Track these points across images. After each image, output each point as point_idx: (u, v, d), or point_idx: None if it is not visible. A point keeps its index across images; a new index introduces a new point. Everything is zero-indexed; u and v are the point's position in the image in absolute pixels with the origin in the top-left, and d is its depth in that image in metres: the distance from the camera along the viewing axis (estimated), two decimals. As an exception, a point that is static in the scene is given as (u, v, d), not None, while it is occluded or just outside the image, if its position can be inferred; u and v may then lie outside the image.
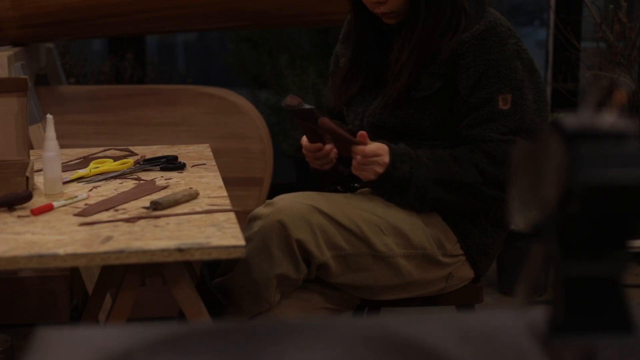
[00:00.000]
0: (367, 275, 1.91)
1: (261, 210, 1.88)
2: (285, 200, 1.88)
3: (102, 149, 2.29)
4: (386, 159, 1.87)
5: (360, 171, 1.89)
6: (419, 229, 1.93)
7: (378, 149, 1.87)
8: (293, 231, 1.83)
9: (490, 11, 1.96)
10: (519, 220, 0.82)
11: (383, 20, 2.00)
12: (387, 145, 1.89)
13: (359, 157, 1.86)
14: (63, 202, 1.73)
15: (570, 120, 0.77)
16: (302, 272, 1.86)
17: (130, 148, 2.29)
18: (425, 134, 1.94)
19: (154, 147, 2.30)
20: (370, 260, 1.90)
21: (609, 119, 0.77)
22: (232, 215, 1.66)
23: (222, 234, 1.54)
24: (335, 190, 2.07)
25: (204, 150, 2.28)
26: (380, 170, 1.87)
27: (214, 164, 2.11)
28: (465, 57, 1.90)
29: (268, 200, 1.90)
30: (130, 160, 2.09)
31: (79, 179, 1.96)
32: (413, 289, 1.96)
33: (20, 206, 1.71)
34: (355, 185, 2.07)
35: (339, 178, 2.06)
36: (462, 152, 1.90)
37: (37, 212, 1.67)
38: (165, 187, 1.88)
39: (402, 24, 1.98)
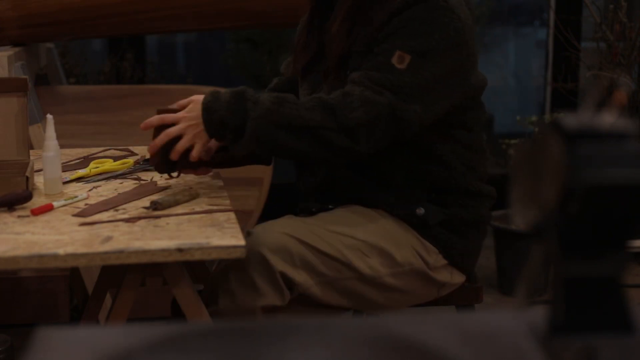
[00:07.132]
0: (356, 297, 1.85)
1: None
2: (263, 230, 1.80)
3: (102, 149, 2.29)
4: (194, 111, 1.78)
5: (185, 135, 1.79)
6: (402, 245, 1.87)
7: (181, 105, 1.81)
8: (275, 263, 1.76)
9: None
10: (519, 220, 0.82)
11: None
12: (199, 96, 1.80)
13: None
14: (63, 202, 1.73)
15: (570, 120, 0.77)
16: (287, 299, 1.80)
17: (130, 148, 2.29)
18: None
19: (154, 147, 2.30)
20: (357, 283, 1.84)
21: (609, 119, 0.77)
22: (232, 215, 1.66)
23: (222, 234, 1.54)
24: (310, 213, 1.97)
25: (204, 150, 2.27)
26: (193, 122, 1.78)
27: (214, 164, 2.10)
28: (390, 24, 1.79)
29: (248, 230, 1.82)
30: (130, 160, 2.09)
31: (79, 179, 1.96)
32: (406, 301, 1.93)
33: (20, 206, 1.70)
34: (330, 207, 1.96)
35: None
36: (319, 97, 1.77)
37: (37, 212, 1.66)
38: (165, 188, 1.88)
39: None
